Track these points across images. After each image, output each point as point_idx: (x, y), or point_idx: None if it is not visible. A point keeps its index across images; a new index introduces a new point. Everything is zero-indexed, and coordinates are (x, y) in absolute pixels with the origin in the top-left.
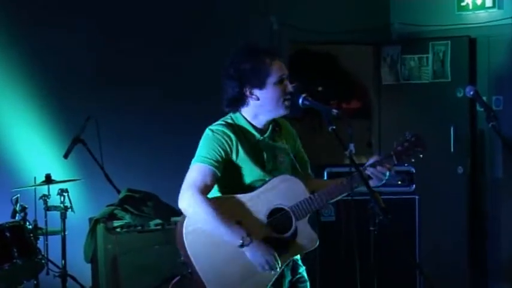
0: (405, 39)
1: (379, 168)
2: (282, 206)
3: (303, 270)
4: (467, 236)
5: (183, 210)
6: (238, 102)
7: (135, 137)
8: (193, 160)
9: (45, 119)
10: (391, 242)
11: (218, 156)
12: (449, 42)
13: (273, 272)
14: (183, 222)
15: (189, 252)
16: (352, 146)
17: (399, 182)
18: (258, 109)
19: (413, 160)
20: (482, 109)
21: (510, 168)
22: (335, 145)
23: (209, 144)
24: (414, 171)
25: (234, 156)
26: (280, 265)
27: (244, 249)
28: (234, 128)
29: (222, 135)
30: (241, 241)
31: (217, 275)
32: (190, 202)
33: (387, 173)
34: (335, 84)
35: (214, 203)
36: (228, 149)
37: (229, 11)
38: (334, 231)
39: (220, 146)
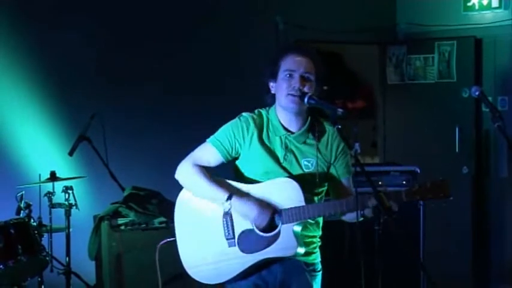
0: (411, 39)
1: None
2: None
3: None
4: (471, 236)
5: (177, 179)
6: (270, 96)
7: (140, 134)
8: (208, 138)
9: (50, 117)
10: (396, 241)
11: (228, 142)
12: (455, 42)
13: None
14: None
15: (175, 219)
16: (357, 146)
17: (404, 182)
18: (276, 102)
19: (432, 205)
20: (487, 109)
21: None
22: None
23: (227, 128)
24: (419, 171)
25: (247, 145)
26: (267, 217)
27: (228, 210)
28: (262, 118)
29: (243, 122)
30: (223, 202)
31: (192, 248)
32: (182, 170)
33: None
34: (340, 83)
35: (209, 174)
36: (242, 138)
37: (235, 10)
38: (339, 230)
39: (234, 133)
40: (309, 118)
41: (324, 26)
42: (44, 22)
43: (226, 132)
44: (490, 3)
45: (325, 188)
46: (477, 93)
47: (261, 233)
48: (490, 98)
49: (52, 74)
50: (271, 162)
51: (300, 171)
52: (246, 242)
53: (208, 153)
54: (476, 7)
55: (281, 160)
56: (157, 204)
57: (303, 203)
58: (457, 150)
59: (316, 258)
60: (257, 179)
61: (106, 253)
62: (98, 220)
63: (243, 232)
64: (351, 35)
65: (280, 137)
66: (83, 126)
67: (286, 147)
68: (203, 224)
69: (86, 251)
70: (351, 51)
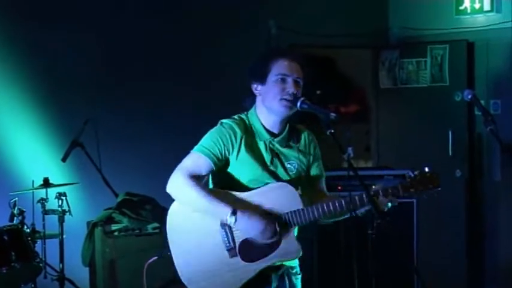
0: (403, 43)
1: (381, 198)
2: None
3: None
4: (465, 240)
5: (169, 193)
6: (252, 99)
7: (133, 140)
8: (194, 148)
9: (43, 122)
10: (389, 245)
11: (217, 150)
12: (447, 46)
13: (269, 241)
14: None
15: (167, 233)
16: (350, 150)
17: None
18: (262, 106)
19: (425, 196)
20: (480, 113)
21: (508, 172)
22: (333, 149)
23: (213, 136)
24: (412, 175)
25: (235, 152)
26: (271, 233)
27: (236, 222)
28: (245, 124)
29: (228, 129)
30: (227, 218)
31: (191, 262)
32: (176, 183)
33: (389, 204)
34: (333, 87)
35: (205, 187)
36: (230, 144)
37: (228, 15)
38: (333, 234)
39: (222, 140)
40: (288, 123)
41: (317, 30)
42: (37, 27)
43: (214, 140)
44: (482, 6)
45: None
46: (470, 96)
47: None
48: (482, 102)
49: (45, 79)
50: (258, 168)
51: (286, 175)
52: (248, 251)
53: (198, 162)
54: (469, 11)
55: (268, 165)
56: (151, 210)
57: (301, 206)
58: (450, 153)
59: (296, 261)
60: (245, 185)
61: (100, 259)
62: (92, 226)
63: (243, 241)
64: (343, 39)
65: (265, 142)
66: (76, 132)
67: (271, 151)
68: (200, 236)
69: (79, 257)
70: (343, 55)
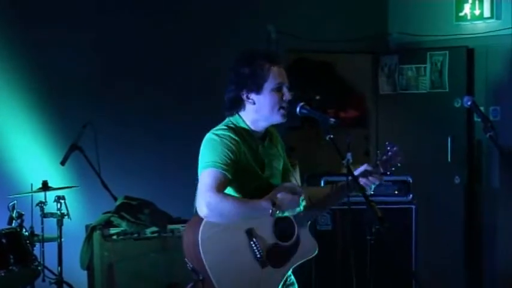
0: (403, 49)
1: (371, 178)
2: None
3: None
4: (463, 246)
5: (205, 216)
6: (236, 105)
7: (132, 144)
8: (202, 167)
9: (43, 126)
10: (388, 251)
11: (228, 160)
12: (447, 52)
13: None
14: (196, 230)
15: (203, 260)
16: (349, 155)
17: (396, 192)
18: (255, 114)
19: (393, 169)
20: (479, 119)
21: (507, 179)
22: (332, 154)
23: (217, 148)
24: (411, 181)
25: (240, 159)
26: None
27: (279, 213)
28: (237, 131)
29: (229, 139)
30: (274, 214)
31: (231, 283)
32: (211, 203)
33: (372, 186)
34: (333, 93)
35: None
36: (236, 152)
37: (227, 19)
38: (331, 240)
39: (228, 150)
40: None
41: (317, 35)
42: (37, 31)
43: (222, 153)
44: (482, 13)
45: None
46: (469, 103)
47: (284, 243)
48: (482, 108)
49: (44, 83)
50: (258, 175)
51: (279, 175)
52: (275, 257)
53: (220, 178)
54: (468, 17)
55: (264, 169)
56: (150, 214)
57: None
58: (449, 160)
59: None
60: (251, 191)
61: (98, 263)
62: (90, 230)
63: (269, 249)
64: (343, 44)
65: (258, 147)
66: (75, 136)
67: (263, 155)
68: (233, 255)
69: (78, 260)
70: (343, 60)
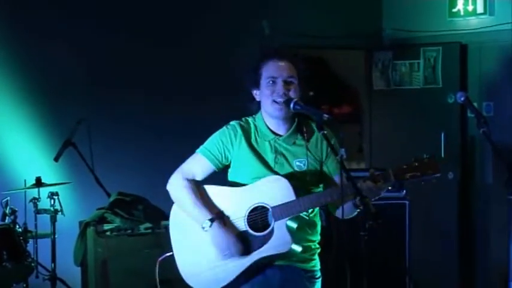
0: (397, 44)
1: (370, 185)
2: (264, 205)
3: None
4: (457, 241)
5: (168, 190)
6: (252, 103)
7: (126, 140)
8: (197, 149)
9: (36, 122)
10: (381, 247)
11: (217, 150)
12: (440, 48)
13: (230, 260)
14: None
15: (170, 230)
16: (343, 151)
17: (389, 188)
18: (262, 109)
19: (422, 183)
20: (473, 115)
21: (500, 175)
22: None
23: (215, 137)
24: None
25: (235, 151)
26: (237, 254)
27: (206, 232)
28: (249, 125)
29: (231, 130)
30: (203, 225)
31: (188, 257)
32: (174, 183)
33: (380, 192)
34: (326, 89)
35: (197, 189)
36: (230, 144)
37: (221, 15)
38: (325, 236)
39: (222, 140)
40: (296, 119)
41: (310, 31)
42: (31, 28)
43: (215, 140)
44: (475, 9)
45: (321, 188)
46: (462, 98)
47: (255, 233)
48: (475, 104)
49: (38, 79)
50: (261, 168)
51: (292, 172)
52: (242, 244)
53: (199, 163)
54: (462, 13)
55: (272, 164)
56: (143, 210)
57: (294, 198)
58: (442, 155)
59: (316, 265)
60: (250, 183)
61: (92, 259)
62: (84, 226)
63: (237, 234)
64: (336, 40)
65: (269, 142)
66: (69, 132)
67: (276, 150)
68: (196, 231)
69: (71, 256)
70: (336, 56)
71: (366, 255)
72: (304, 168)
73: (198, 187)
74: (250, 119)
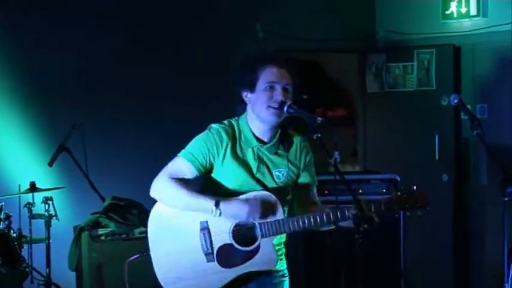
0: (390, 47)
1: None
2: (251, 221)
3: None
4: (452, 243)
5: (153, 196)
6: (241, 105)
7: (120, 145)
8: (179, 153)
9: (30, 127)
10: (377, 250)
11: (201, 156)
12: (434, 50)
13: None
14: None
15: (148, 233)
16: (337, 154)
17: (384, 190)
18: (252, 113)
19: (408, 214)
20: (466, 117)
21: (494, 176)
22: (320, 153)
23: (199, 141)
24: (399, 179)
25: (220, 158)
26: (260, 212)
27: (219, 216)
28: (233, 129)
29: (215, 135)
30: (213, 211)
31: (169, 264)
32: (158, 185)
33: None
34: (320, 91)
35: (186, 184)
36: (215, 150)
37: (215, 19)
38: (319, 239)
39: (207, 146)
40: (279, 130)
41: (304, 34)
42: (25, 33)
43: (199, 145)
44: (468, 11)
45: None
46: (456, 101)
47: (241, 247)
48: (469, 106)
49: (32, 84)
50: (244, 175)
51: (273, 183)
52: (225, 256)
53: (182, 167)
54: (455, 15)
55: (254, 171)
56: (138, 214)
57: (282, 217)
58: (436, 158)
59: (284, 264)
60: (232, 191)
61: (86, 264)
62: (78, 231)
63: (221, 247)
64: (330, 43)
65: (253, 148)
66: (63, 137)
67: (259, 158)
68: (180, 239)
69: (66, 261)
70: (330, 59)
71: (361, 257)
72: (283, 178)
73: (186, 183)
74: (233, 122)
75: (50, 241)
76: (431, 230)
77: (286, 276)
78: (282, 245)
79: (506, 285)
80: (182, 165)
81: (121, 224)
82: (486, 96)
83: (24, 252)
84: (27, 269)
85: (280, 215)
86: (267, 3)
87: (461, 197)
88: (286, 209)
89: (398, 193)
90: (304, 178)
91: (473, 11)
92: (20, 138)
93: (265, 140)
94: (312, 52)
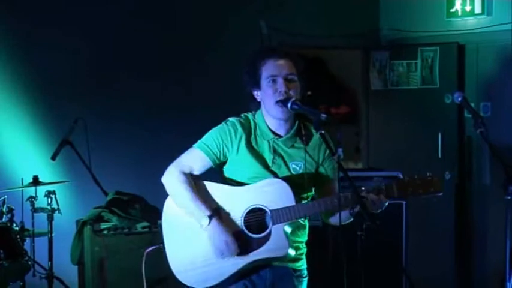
0: (394, 44)
1: (373, 197)
2: (263, 207)
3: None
4: (454, 242)
5: (163, 183)
6: (253, 102)
7: (123, 139)
8: (195, 144)
9: (33, 121)
10: (378, 247)
11: (216, 146)
12: (438, 48)
13: (226, 259)
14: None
15: (162, 224)
16: (340, 151)
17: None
18: (264, 109)
19: (423, 197)
20: (470, 115)
21: (497, 175)
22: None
23: (214, 132)
24: (402, 177)
25: (235, 150)
26: (234, 254)
27: (204, 229)
28: (249, 122)
29: (230, 126)
30: (201, 222)
31: (180, 252)
32: (170, 176)
33: (383, 204)
34: (324, 89)
35: (194, 184)
36: (229, 141)
37: (219, 15)
38: (322, 235)
39: (222, 137)
40: (297, 122)
41: (308, 31)
42: (29, 27)
43: (214, 136)
44: (473, 9)
45: (312, 192)
46: (460, 99)
47: (252, 235)
48: (472, 104)
49: (35, 77)
50: (259, 167)
51: (289, 175)
52: (237, 244)
53: (196, 158)
54: (459, 13)
55: (269, 164)
56: (140, 209)
57: (293, 204)
58: (439, 155)
59: (303, 264)
60: (246, 183)
61: (89, 258)
62: (81, 225)
63: (232, 235)
64: (334, 40)
65: (268, 141)
66: (66, 131)
67: (275, 151)
68: (191, 227)
69: (68, 255)
70: (334, 56)
71: (363, 255)
72: (300, 171)
73: (195, 182)
74: (250, 116)
75: (53, 235)
76: (434, 228)
77: (305, 277)
78: (303, 244)
79: (508, 283)
80: (196, 155)
81: (123, 218)
82: (490, 94)
83: (27, 245)
84: (30, 263)
85: (291, 201)
86: (271, 0)
87: (464, 196)
88: (304, 202)
89: (412, 177)
90: (324, 170)
91: (477, 9)
92: (23, 131)
93: (281, 133)
94: (316, 49)
